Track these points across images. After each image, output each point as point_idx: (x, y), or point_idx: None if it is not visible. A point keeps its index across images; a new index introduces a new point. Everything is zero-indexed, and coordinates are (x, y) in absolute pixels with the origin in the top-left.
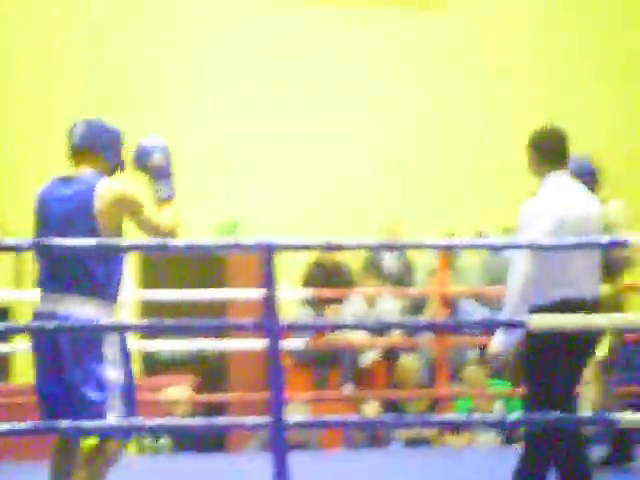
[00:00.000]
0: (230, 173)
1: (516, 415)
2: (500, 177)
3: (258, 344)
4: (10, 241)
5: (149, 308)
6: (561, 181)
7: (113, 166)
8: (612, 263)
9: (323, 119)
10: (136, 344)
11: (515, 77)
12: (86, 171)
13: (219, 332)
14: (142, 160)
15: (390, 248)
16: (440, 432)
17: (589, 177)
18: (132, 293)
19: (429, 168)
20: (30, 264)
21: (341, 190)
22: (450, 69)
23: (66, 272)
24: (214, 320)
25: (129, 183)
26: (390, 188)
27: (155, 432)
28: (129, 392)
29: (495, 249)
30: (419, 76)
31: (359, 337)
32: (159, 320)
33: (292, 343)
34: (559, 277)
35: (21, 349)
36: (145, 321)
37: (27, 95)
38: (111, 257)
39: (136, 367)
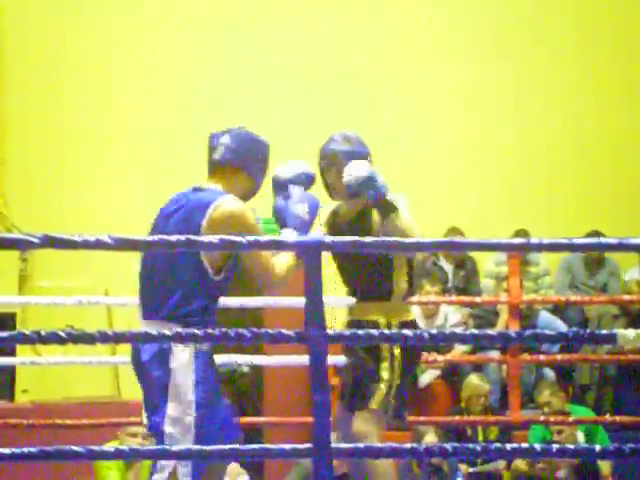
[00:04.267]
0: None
1: (603, 446)
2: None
3: (300, 359)
4: (16, 236)
5: None
6: None
7: (255, 186)
8: None
9: (380, 111)
10: None
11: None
12: (212, 186)
13: (254, 345)
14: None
15: (456, 249)
16: (511, 464)
17: None
18: None
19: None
20: (37, 265)
21: (397, 186)
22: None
23: None
24: (249, 331)
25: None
26: (451, 184)
27: (181, 460)
28: None
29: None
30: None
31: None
32: (183, 330)
33: (339, 359)
34: None
35: (27, 362)
36: (167, 332)
37: (31, 84)
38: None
39: None
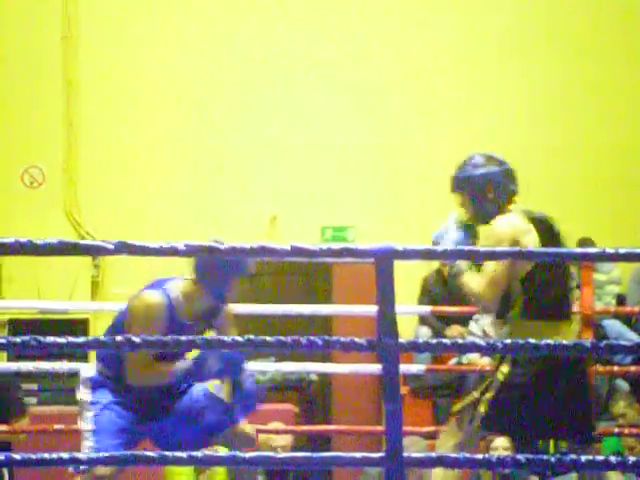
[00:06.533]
0: (340, 175)
1: None
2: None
3: (370, 368)
4: (92, 243)
5: (242, 324)
6: None
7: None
8: None
9: (431, 119)
10: None
11: None
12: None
13: (324, 353)
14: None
15: (528, 257)
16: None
17: None
18: None
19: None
20: (109, 272)
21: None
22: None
23: None
24: (321, 339)
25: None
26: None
27: (251, 466)
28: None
29: None
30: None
31: (488, 361)
32: (254, 337)
33: (409, 368)
34: None
35: None
36: (239, 338)
37: (102, 91)
38: None
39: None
